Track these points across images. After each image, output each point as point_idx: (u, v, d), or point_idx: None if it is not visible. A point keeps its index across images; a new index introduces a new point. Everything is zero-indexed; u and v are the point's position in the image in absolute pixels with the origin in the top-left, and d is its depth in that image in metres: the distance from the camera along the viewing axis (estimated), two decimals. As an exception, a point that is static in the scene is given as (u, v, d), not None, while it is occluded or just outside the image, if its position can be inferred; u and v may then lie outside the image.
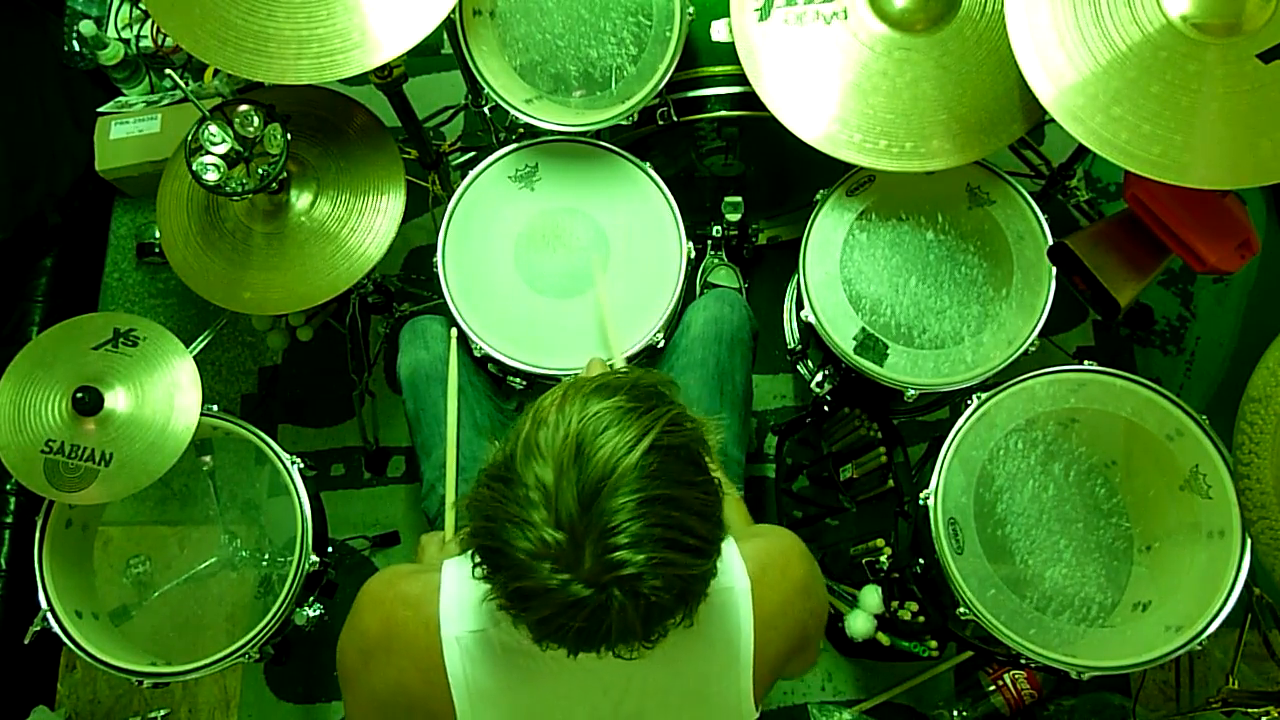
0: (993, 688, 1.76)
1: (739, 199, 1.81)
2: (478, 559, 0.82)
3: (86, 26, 2.09)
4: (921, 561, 1.53)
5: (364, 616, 1.00)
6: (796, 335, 1.82)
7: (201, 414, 1.49)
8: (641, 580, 0.76)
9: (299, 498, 1.56)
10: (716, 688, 0.99)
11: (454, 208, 1.60)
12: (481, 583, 0.83)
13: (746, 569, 0.99)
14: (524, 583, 0.77)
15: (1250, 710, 1.43)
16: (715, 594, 0.96)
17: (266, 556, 1.88)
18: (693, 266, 1.62)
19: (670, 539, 0.77)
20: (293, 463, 1.58)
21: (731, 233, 1.92)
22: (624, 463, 0.77)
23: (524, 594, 0.78)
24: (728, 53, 1.57)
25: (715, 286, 1.97)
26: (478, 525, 0.81)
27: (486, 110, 1.73)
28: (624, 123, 1.55)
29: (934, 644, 1.60)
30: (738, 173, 1.90)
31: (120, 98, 2.21)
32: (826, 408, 1.72)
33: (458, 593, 0.97)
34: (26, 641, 1.51)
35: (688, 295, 1.60)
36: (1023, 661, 1.41)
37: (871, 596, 1.62)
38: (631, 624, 0.79)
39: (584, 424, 0.78)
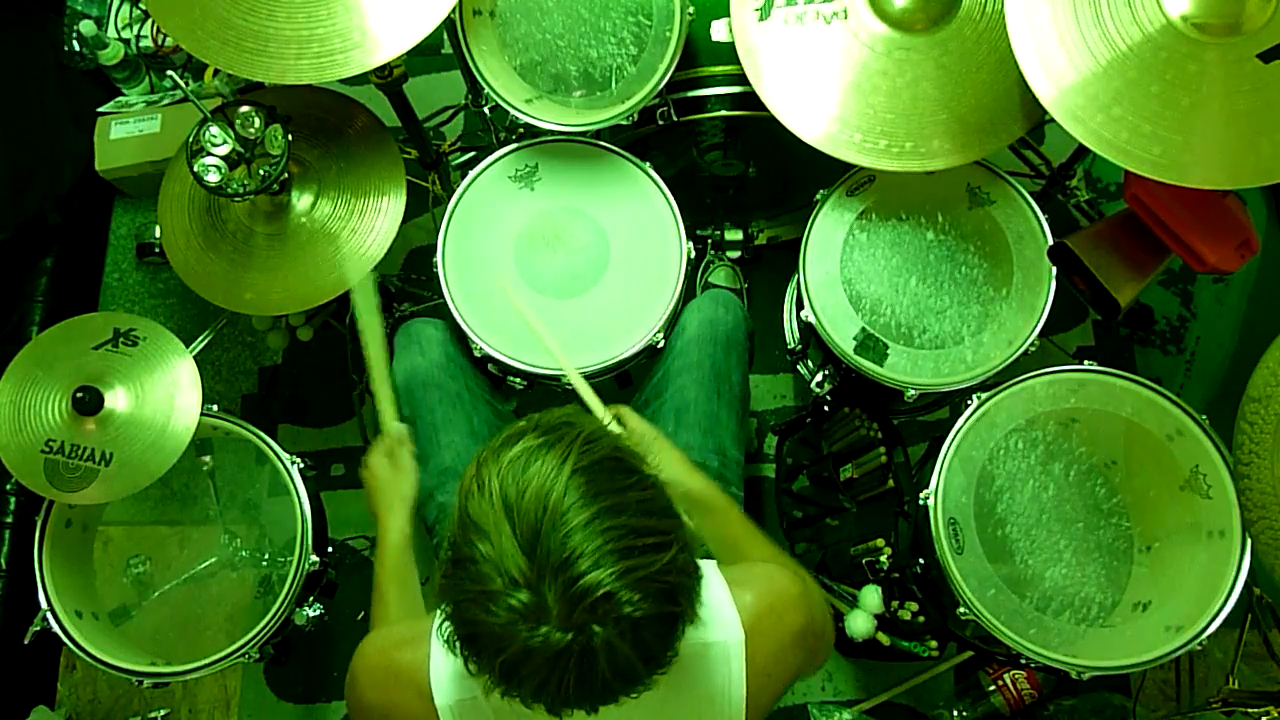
0: (993, 688, 1.76)
1: (739, 234, 1.82)
2: (464, 654, 0.81)
3: (86, 26, 2.09)
4: (921, 561, 1.53)
5: (362, 691, 1.01)
6: (796, 335, 1.82)
7: (201, 414, 1.49)
8: (615, 599, 0.74)
9: (299, 497, 1.56)
10: None
11: (454, 208, 1.60)
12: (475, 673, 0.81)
13: (740, 619, 0.98)
14: (506, 654, 0.76)
15: (1250, 710, 1.43)
16: (708, 647, 0.96)
17: (266, 556, 1.88)
18: (693, 267, 1.62)
19: (625, 546, 0.75)
20: (293, 462, 1.58)
21: (729, 232, 1.93)
22: (553, 496, 0.75)
23: (511, 665, 0.76)
24: (728, 53, 1.57)
25: (714, 286, 1.97)
26: (448, 616, 0.80)
27: (486, 110, 1.73)
28: (624, 123, 1.55)
29: (934, 644, 1.60)
30: (738, 172, 1.90)
31: (120, 98, 2.21)
32: (826, 408, 1.72)
33: (446, 661, 0.96)
34: (26, 641, 1.51)
35: (687, 294, 1.60)
36: (1023, 661, 1.41)
37: (871, 596, 1.62)
38: (625, 658, 0.76)
39: (503, 477, 0.77)
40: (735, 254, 1.98)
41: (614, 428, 1.10)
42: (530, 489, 0.76)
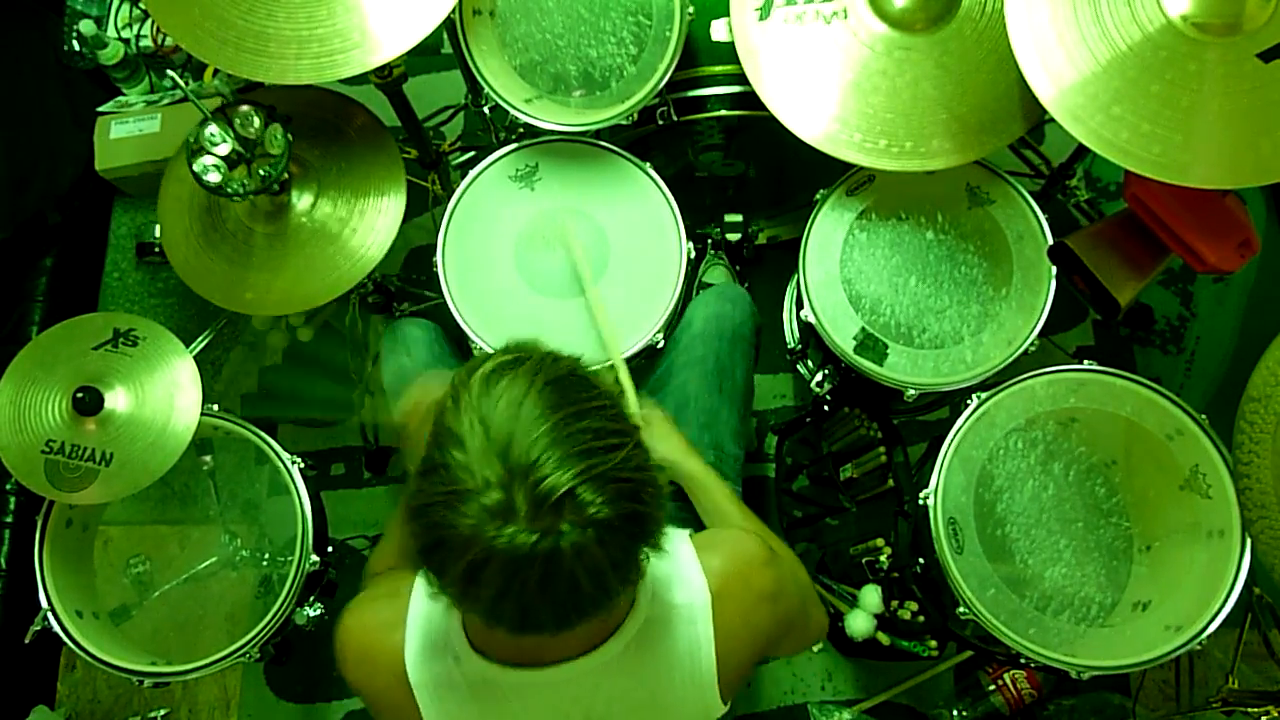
0: (993, 687, 1.76)
1: (739, 217, 1.81)
2: (429, 565, 0.82)
3: (86, 26, 2.08)
4: (921, 561, 1.53)
5: (345, 668, 1.03)
6: (796, 335, 1.82)
7: (201, 414, 1.49)
8: (577, 499, 0.76)
9: (299, 497, 1.56)
10: (680, 695, 1.00)
11: (454, 207, 1.60)
12: (437, 598, 0.83)
13: (707, 583, 1.00)
14: (471, 554, 0.77)
15: (1250, 710, 1.43)
16: (675, 608, 0.98)
17: (266, 556, 1.88)
18: (693, 267, 1.62)
19: (586, 448, 0.78)
20: (293, 462, 1.58)
21: (732, 236, 1.93)
22: (524, 406, 0.79)
23: (475, 569, 0.77)
24: (727, 52, 1.57)
25: (708, 285, 1.97)
26: (418, 528, 0.81)
27: (486, 110, 1.73)
28: (624, 123, 1.55)
29: (934, 644, 1.60)
30: (738, 172, 1.90)
31: (120, 97, 2.21)
32: (826, 407, 1.72)
33: (420, 637, 0.98)
34: (27, 641, 1.51)
35: (687, 295, 1.60)
36: (1022, 661, 1.41)
37: (871, 596, 1.62)
38: (591, 560, 0.77)
39: (478, 391, 0.81)
40: (736, 236, 1.96)
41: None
42: (503, 400, 0.79)
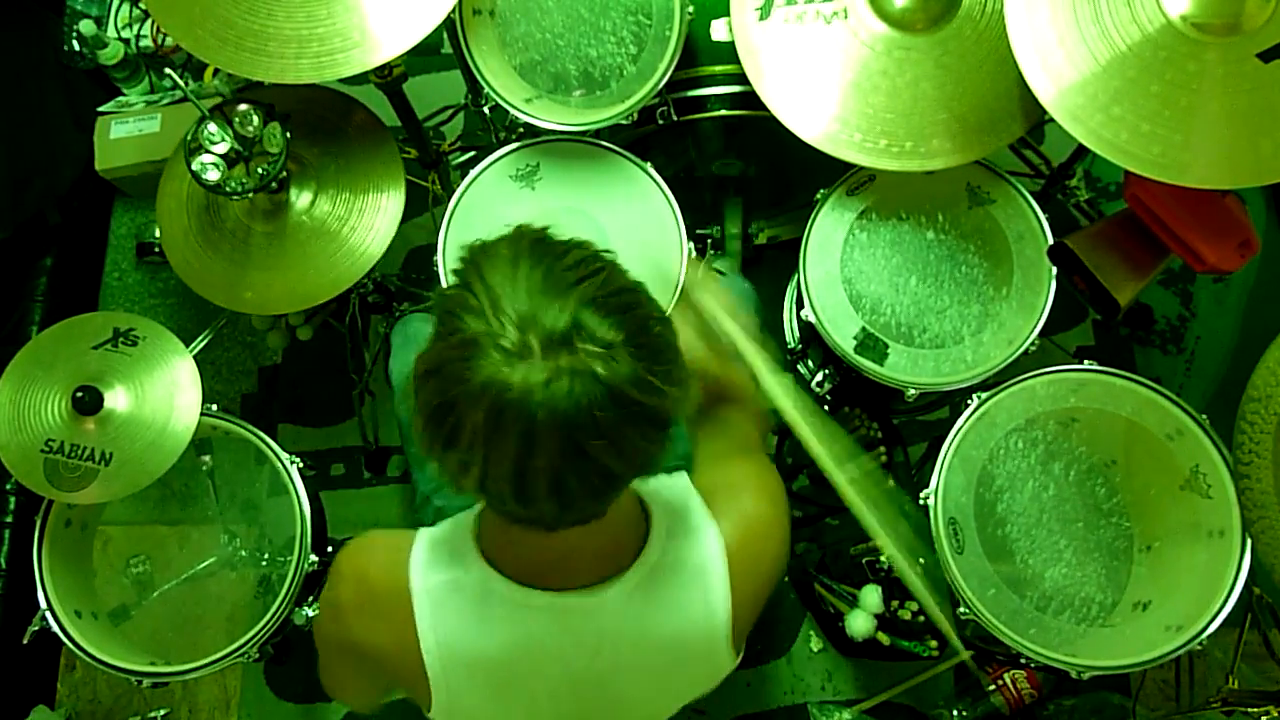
0: (993, 687, 1.76)
1: (739, 200, 1.80)
2: (440, 435, 0.80)
3: (86, 26, 2.09)
4: (921, 561, 1.53)
5: (339, 587, 1.01)
6: (797, 335, 1.82)
7: (201, 414, 1.49)
8: (584, 328, 0.77)
9: (299, 497, 1.56)
10: (691, 650, 0.99)
11: (454, 207, 1.60)
12: (456, 480, 0.82)
13: (721, 541, 0.98)
14: (488, 400, 0.75)
15: (1250, 710, 1.43)
16: (689, 566, 0.97)
17: (266, 556, 1.88)
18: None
19: (576, 279, 0.80)
20: (292, 462, 1.57)
21: (732, 232, 1.93)
22: (519, 266, 0.81)
23: (495, 416, 0.76)
24: (727, 52, 1.57)
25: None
26: (431, 390, 0.80)
27: (486, 110, 1.73)
28: (624, 122, 1.55)
29: (934, 644, 1.60)
30: (737, 172, 1.90)
31: (120, 97, 2.21)
32: (827, 407, 1.72)
33: (429, 546, 0.98)
34: (26, 641, 1.51)
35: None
36: (1023, 661, 1.41)
37: (871, 596, 1.62)
38: (613, 389, 0.76)
39: (473, 264, 0.83)
40: (735, 229, 1.96)
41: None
42: (499, 263, 0.81)
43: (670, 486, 1.03)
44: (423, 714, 1.02)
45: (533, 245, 0.83)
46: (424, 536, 1.00)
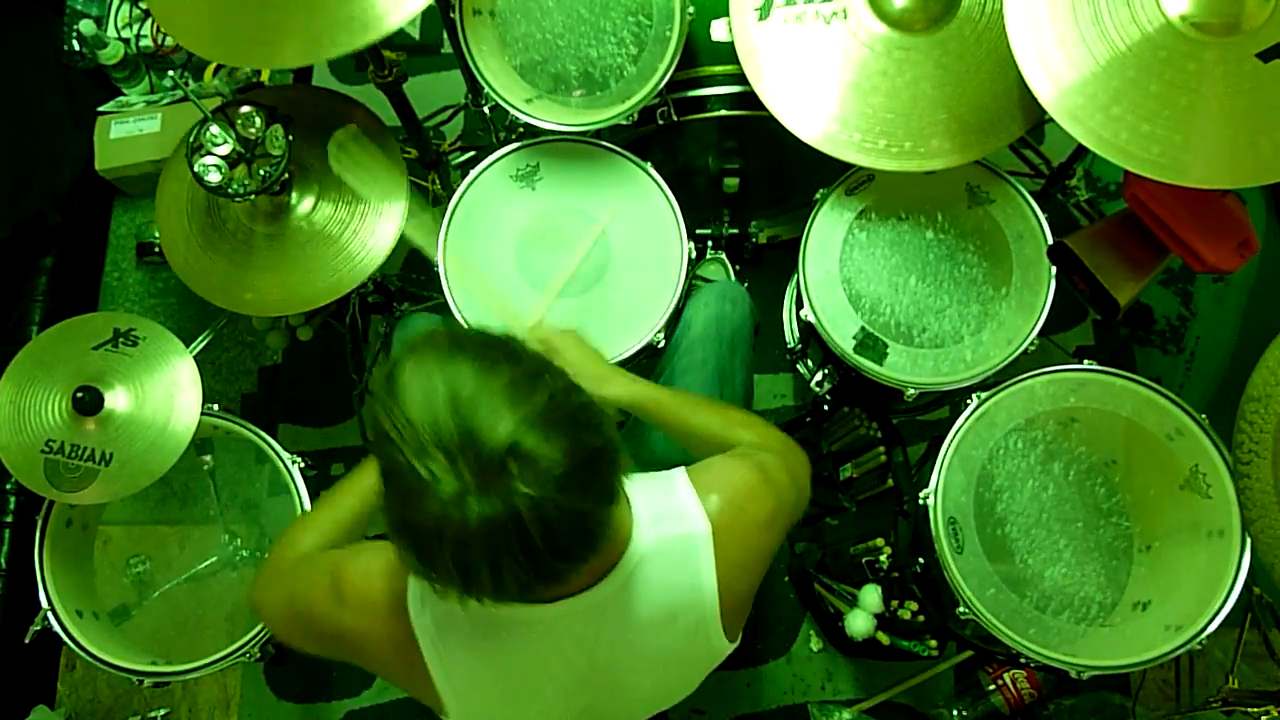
0: (993, 687, 1.76)
1: (737, 166, 1.79)
2: (427, 571, 0.81)
3: (86, 26, 2.09)
4: (921, 561, 1.53)
5: (344, 614, 1.00)
6: (796, 334, 1.82)
7: (201, 413, 1.49)
8: (522, 451, 0.75)
9: (299, 497, 1.56)
10: (684, 633, 0.99)
11: (455, 207, 1.60)
12: (464, 603, 0.82)
13: (706, 514, 0.99)
14: (449, 543, 0.76)
15: (1250, 710, 1.43)
16: (673, 541, 0.97)
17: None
18: (693, 267, 1.62)
19: (510, 397, 0.77)
20: (293, 462, 1.58)
21: (728, 229, 1.93)
22: (437, 387, 0.78)
23: (460, 555, 0.77)
24: (727, 52, 1.57)
25: (707, 281, 1.97)
26: (401, 542, 0.81)
27: (486, 110, 1.73)
28: (624, 122, 1.55)
29: (934, 643, 1.60)
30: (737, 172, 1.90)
31: (120, 97, 2.21)
32: (826, 407, 1.72)
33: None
34: (27, 641, 1.51)
35: (687, 294, 1.60)
36: (1022, 661, 1.41)
37: (871, 596, 1.62)
38: (563, 503, 0.76)
39: (390, 393, 0.80)
40: (735, 230, 1.97)
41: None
42: (415, 389, 0.78)
43: (656, 474, 1.05)
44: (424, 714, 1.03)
45: (452, 358, 0.80)
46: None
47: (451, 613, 0.95)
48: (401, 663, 0.97)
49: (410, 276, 2.08)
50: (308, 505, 1.55)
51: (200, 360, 1.55)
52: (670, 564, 0.97)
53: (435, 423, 0.76)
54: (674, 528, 0.98)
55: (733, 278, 2.00)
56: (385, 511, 0.82)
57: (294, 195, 1.54)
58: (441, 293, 1.56)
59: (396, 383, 0.80)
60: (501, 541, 0.76)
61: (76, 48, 2.16)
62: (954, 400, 1.73)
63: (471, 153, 2.01)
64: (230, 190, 1.43)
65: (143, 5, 2.16)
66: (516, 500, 0.75)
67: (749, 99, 1.55)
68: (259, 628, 1.49)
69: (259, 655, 1.56)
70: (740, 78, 1.52)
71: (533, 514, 0.75)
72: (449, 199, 1.61)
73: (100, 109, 2.15)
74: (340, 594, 1.00)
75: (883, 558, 1.62)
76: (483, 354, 0.81)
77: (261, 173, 1.44)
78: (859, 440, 1.70)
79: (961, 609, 1.39)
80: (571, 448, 0.78)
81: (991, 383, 1.49)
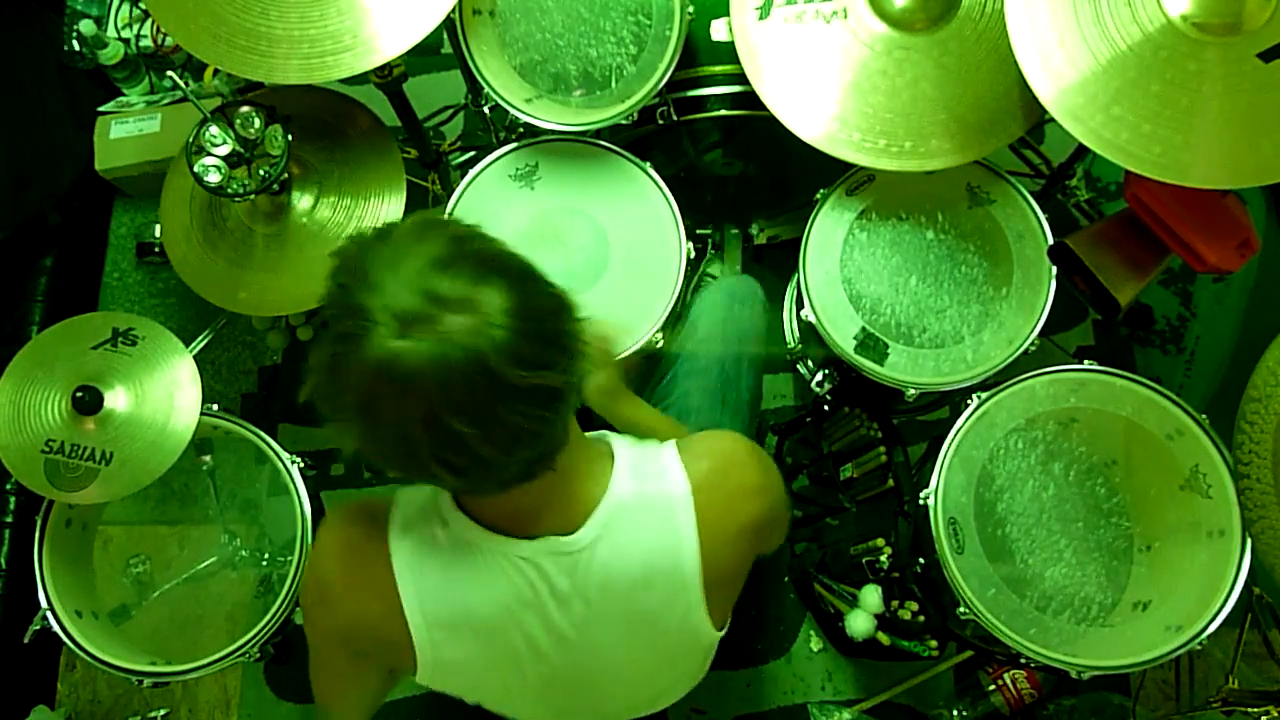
0: (993, 687, 1.76)
1: (737, 166, 1.78)
2: (365, 430, 0.81)
3: (86, 26, 2.09)
4: (921, 561, 1.53)
5: (325, 563, 1.01)
6: (796, 335, 1.82)
7: (201, 413, 1.49)
8: (473, 290, 0.77)
9: (299, 497, 1.56)
10: (662, 596, 0.98)
11: (454, 207, 1.60)
12: (409, 481, 0.84)
13: (686, 474, 0.98)
14: (394, 382, 0.76)
15: (1250, 710, 1.43)
16: (652, 497, 0.97)
17: (266, 556, 1.88)
18: (693, 267, 1.62)
19: (459, 251, 0.81)
20: (293, 462, 1.58)
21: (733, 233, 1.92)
22: (399, 246, 0.81)
23: (401, 398, 0.77)
24: (727, 52, 1.57)
25: (712, 278, 1.96)
26: (336, 389, 0.81)
27: (486, 110, 1.73)
28: (624, 122, 1.55)
29: (934, 643, 1.60)
30: (738, 172, 1.90)
31: (120, 97, 2.21)
32: (826, 407, 1.72)
33: (407, 505, 0.99)
34: (26, 641, 1.51)
35: (686, 295, 1.60)
36: (1023, 661, 1.41)
37: (871, 596, 1.62)
38: (514, 336, 0.77)
39: (356, 253, 0.82)
40: (735, 230, 1.96)
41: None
42: (377, 251, 0.81)
43: (645, 440, 1.05)
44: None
45: (412, 228, 0.83)
46: (402, 496, 1.00)
47: (435, 536, 0.96)
48: (379, 606, 0.96)
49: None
50: (307, 505, 1.55)
51: (200, 360, 1.55)
52: (649, 521, 0.96)
53: (397, 273, 0.78)
54: (654, 485, 0.97)
55: (739, 267, 1.97)
56: (330, 379, 0.81)
57: (294, 195, 1.54)
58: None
59: (356, 244, 0.82)
60: (452, 378, 0.76)
61: (76, 48, 2.16)
62: (954, 400, 1.73)
63: (471, 153, 2.00)
64: (230, 190, 1.43)
65: (143, 5, 2.16)
66: (468, 327, 0.76)
67: (749, 99, 1.54)
68: (259, 628, 1.49)
69: (259, 655, 1.56)
70: (740, 77, 1.52)
71: (484, 346, 0.76)
72: (449, 199, 1.61)
73: (100, 109, 2.15)
74: (321, 545, 1.01)
75: (883, 558, 1.62)
76: (439, 223, 0.86)
77: (261, 173, 1.44)
78: (859, 440, 1.70)
79: (962, 609, 1.39)
80: (511, 288, 0.79)
81: (992, 383, 1.49)
